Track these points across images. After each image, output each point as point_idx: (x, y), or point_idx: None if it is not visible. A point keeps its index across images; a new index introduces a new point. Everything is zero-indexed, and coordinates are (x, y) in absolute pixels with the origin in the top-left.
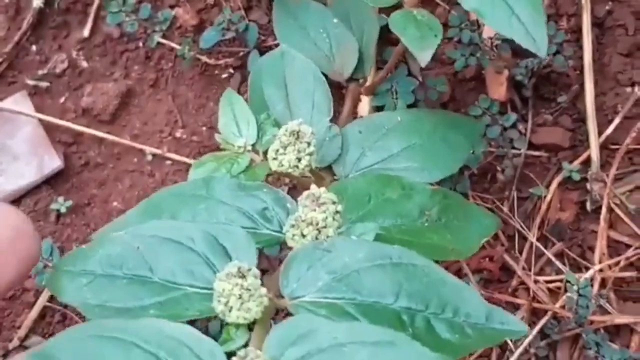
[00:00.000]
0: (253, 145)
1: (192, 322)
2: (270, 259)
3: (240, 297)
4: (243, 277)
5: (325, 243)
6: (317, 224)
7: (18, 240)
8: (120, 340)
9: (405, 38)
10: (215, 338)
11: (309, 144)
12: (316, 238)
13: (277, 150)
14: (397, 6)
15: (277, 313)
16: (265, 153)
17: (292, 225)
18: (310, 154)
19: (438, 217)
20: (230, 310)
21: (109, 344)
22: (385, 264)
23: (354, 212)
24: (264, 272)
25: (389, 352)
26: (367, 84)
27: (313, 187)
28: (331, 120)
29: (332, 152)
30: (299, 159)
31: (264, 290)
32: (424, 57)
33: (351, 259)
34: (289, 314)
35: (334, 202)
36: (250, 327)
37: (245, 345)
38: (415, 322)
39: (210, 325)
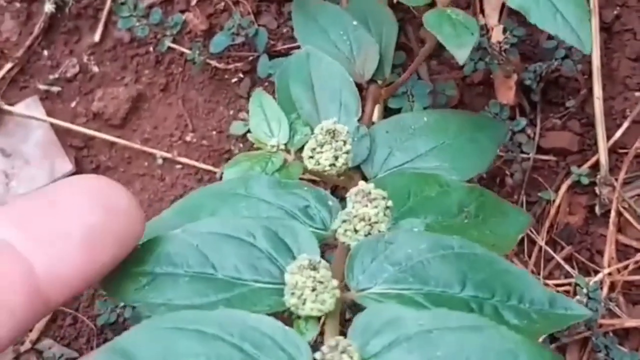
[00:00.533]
0: (285, 144)
1: None
2: None
3: (314, 289)
4: (315, 269)
5: (387, 235)
6: (370, 219)
7: (114, 216)
8: (201, 333)
9: (442, 36)
10: None
11: (345, 142)
12: (369, 233)
13: (314, 149)
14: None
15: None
16: (297, 152)
17: (344, 221)
18: (347, 153)
19: (476, 213)
20: (304, 303)
21: (188, 336)
22: (448, 254)
23: (396, 209)
24: None
25: (475, 336)
26: (387, 86)
27: (362, 183)
28: (358, 121)
29: (361, 153)
30: (336, 157)
31: (335, 282)
32: (461, 54)
33: (414, 250)
34: (355, 308)
35: (384, 198)
36: (319, 319)
37: (316, 338)
38: (484, 310)
39: None
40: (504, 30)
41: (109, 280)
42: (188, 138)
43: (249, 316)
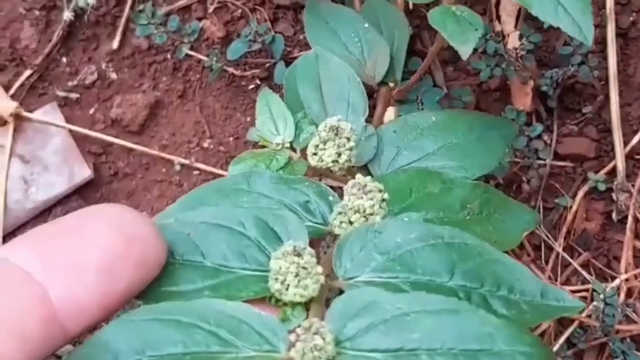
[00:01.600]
0: (290, 143)
1: None
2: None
3: (297, 275)
4: (299, 255)
5: (377, 225)
6: (365, 211)
7: (134, 244)
8: (180, 323)
9: (446, 33)
10: None
11: (348, 139)
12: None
13: (317, 146)
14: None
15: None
16: (302, 151)
17: (339, 213)
18: (350, 149)
19: (479, 210)
20: (287, 289)
21: (166, 326)
22: (438, 244)
23: (397, 205)
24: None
25: (453, 319)
26: (398, 88)
27: (359, 176)
28: (366, 121)
29: (368, 152)
30: (339, 154)
31: (319, 268)
32: (465, 50)
33: (403, 239)
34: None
35: (380, 190)
36: (306, 306)
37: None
38: (471, 299)
39: None
40: (520, 37)
41: None
42: (205, 144)
43: (226, 304)
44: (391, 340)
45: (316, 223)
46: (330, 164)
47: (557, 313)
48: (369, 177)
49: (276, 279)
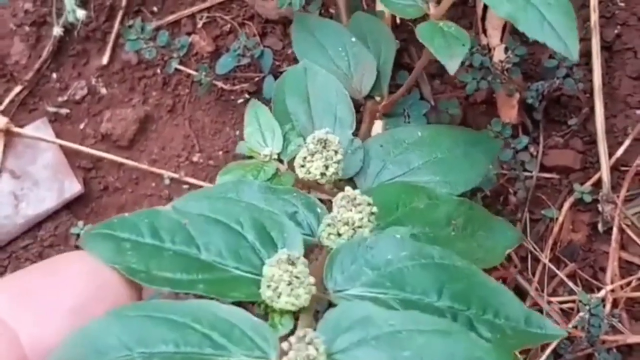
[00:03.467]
0: (278, 154)
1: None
2: None
3: (289, 283)
4: (293, 264)
5: (369, 240)
6: (354, 223)
7: (105, 289)
8: (171, 321)
9: (433, 48)
10: None
11: (336, 152)
12: (352, 237)
13: (305, 158)
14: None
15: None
16: (290, 163)
17: (328, 225)
18: (337, 162)
19: (464, 226)
20: (279, 296)
21: (158, 324)
22: (429, 263)
23: (382, 220)
24: None
25: (444, 341)
26: (384, 102)
27: (348, 188)
28: (353, 134)
29: (354, 165)
30: (327, 167)
31: (312, 279)
32: (452, 65)
33: (394, 256)
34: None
35: (369, 204)
36: (295, 315)
37: (290, 333)
38: (457, 320)
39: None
40: (506, 50)
41: (90, 237)
42: (195, 158)
43: (220, 307)
44: (382, 356)
45: (304, 234)
46: (318, 177)
47: (540, 340)
48: (358, 190)
49: (269, 286)
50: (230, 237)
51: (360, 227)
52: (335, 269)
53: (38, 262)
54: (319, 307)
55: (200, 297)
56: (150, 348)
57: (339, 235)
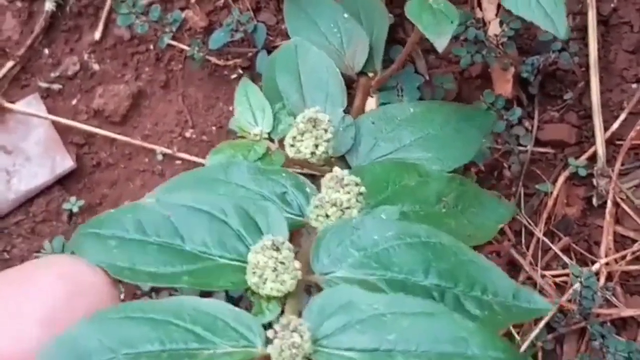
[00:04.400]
0: (269, 133)
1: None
2: None
3: (275, 269)
4: (277, 250)
5: (354, 221)
6: (342, 204)
7: (83, 295)
8: (152, 320)
9: (421, 25)
10: None
11: (326, 130)
12: (340, 218)
13: (295, 137)
14: None
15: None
16: (280, 141)
17: (316, 206)
18: (327, 141)
19: (455, 203)
20: (264, 283)
21: (140, 324)
22: (414, 242)
23: (373, 198)
24: None
25: (428, 322)
26: (377, 78)
27: (336, 169)
28: (344, 111)
29: (346, 143)
30: (317, 146)
31: (297, 263)
32: (440, 42)
33: (380, 236)
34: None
35: (357, 184)
36: (282, 300)
37: (277, 319)
38: (445, 298)
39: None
40: (501, 24)
41: (78, 238)
42: (188, 134)
43: (200, 301)
44: (367, 340)
45: (293, 214)
46: (308, 156)
47: (529, 315)
48: (346, 171)
49: (254, 273)
50: (214, 226)
51: (348, 207)
52: (322, 252)
53: (9, 269)
54: (314, 289)
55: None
56: (135, 348)
57: (327, 216)
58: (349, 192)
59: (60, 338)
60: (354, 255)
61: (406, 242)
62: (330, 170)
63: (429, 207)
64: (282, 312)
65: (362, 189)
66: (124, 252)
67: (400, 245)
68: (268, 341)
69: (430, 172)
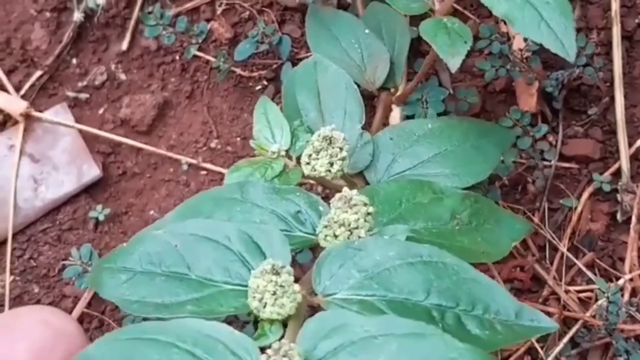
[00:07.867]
0: (287, 151)
1: (230, 323)
2: (303, 267)
3: (274, 293)
4: (277, 274)
5: (357, 242)
6: (349, 224)
7: (61, 340)
8: (158, 342)
9: (436, 45)
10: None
11: (341, 149)
12: (348, 239)
13: (310, 155)
14: (428, 15)
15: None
16: (298, 159)
17: (325, 226)
18: (342, 159)
19: (469, 220)
20: (264, 306)
21: (148, 346)
22: (416, 262)
23: (386, 215)
24: (296, 280)
25: (419, 343)
26: (398, 93)
27: (345, 189)
28: (363, 128)
29: (364, 159)
30: (332, 164)
31: (297, 287)
32: (453, 63)
33: (382, 257)
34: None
35: (365, 204)
36: (284, 323)
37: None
38: (445, 318)
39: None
40: (525, 38)
41: (96, 275)
42: (213, 144)
43: (203, 324)
44: None
45: (306, 233)
46: (323, 174)
47: (532, 333)
48: (354, 191)
49: (254, 297)
50: (219, 253)
51: (356, 228)
52: (324, 274)
53: (3, 313)
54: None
55: None
56: None
57: (336, 237)
58: (356, 212)
59: (79, 356)
60: (355, 276)
61: (407, 262)
62: (353, 187)
63: (442, 224)
64: (284, 334)
65: (371, 209)
66: (133, 286)
67: (402, 265)
68: None
69: (445, 189)
